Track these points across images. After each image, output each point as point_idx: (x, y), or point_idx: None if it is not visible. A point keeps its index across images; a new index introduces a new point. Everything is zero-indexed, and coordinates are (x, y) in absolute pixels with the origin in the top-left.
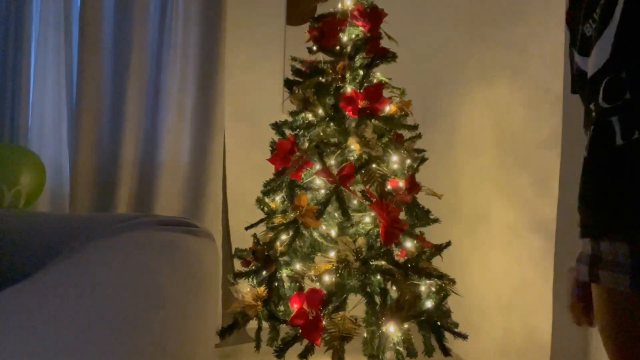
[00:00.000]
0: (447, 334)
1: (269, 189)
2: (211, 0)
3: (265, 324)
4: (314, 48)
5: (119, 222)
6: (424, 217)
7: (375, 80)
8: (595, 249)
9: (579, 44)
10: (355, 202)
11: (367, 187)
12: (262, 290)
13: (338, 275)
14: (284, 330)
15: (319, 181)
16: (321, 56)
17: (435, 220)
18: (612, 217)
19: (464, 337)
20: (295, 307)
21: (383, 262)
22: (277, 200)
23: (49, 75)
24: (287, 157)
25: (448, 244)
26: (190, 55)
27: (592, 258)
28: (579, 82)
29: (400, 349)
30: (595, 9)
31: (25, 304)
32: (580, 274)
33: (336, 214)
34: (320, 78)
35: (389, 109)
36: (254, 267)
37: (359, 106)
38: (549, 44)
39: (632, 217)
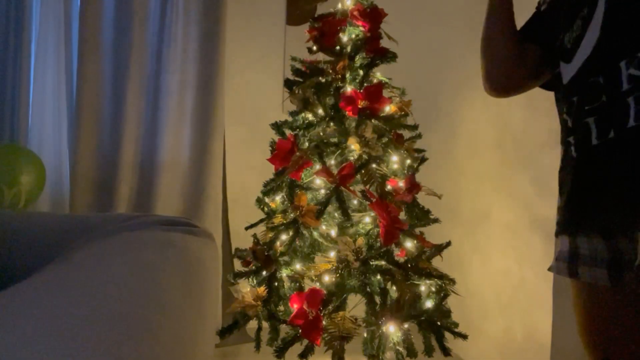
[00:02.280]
0: (447, 334)
1: (269, 189)
2: (211, 0)
3: (265, 324)
4: (314, 48)
5: (119, 222)
6: (424, 217)
7: (375, 80)
8: (573, 246)
9: (559, 53)
10: (355, 202)
11: (367, 187)
12: (262, 290)
13: (338, 275)
14: (284, 330)
15: (319, 181)
16: (321, 56)
17: (435, 220)
18: (588, 213)
19: (464, 337)
20: (295, 307)
21: (383, 262)
22: (277, 200)
23: (49, 75)
24: (287, 157)
25: (448, 244)
26: (190, 55)
27: (570, 255)
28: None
29: (400, 349)
30: (575, 19)
31: (25, 304)
32: (560, 271)
33: (336, 214)
34: (320, 78)
35: (389, 109)
36: (254, 267)
37: (359, 106)
38: None
39: (607, 213)
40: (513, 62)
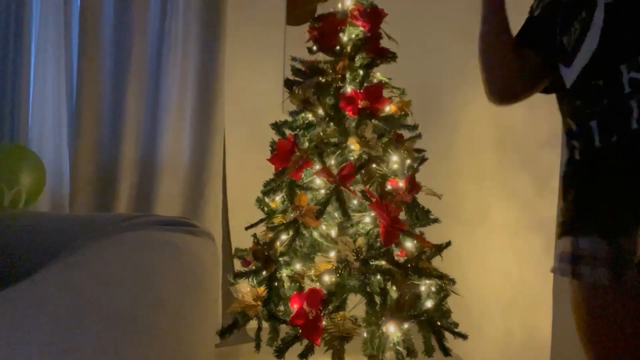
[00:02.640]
0: (447, 334)
1: (269, 189)
2: (211, 0)
3: (265, 324)
4: (314, 48)
5: (119, 222)
6: (424, 217)
7: (375, 80)
8: (575, 247)
9: (559, 55)
10: (355, 202)
11: (367, 187)
12: (262, 290)
13: (338, 275)
14: (284, 330)
15: (319, 181)
16: (321, 56)
17: (435, 220)
18: (591, 215)
19: (464, 337)
20: (295, 307)
21: (383, 262)
22: (277, 200)
23: (49, 75)
24: (287, 157)
25: (448, 244)
26: (190, 55)
27: (573, 256)
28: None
29: (400, 349)
30: (573, 22)
31: (25, 304)
32: (563, 272)
33: (336, 214)
34: (320, 78)
35: (389, 109)
36: (254, 267)
37: (359, 106)
38: None
39: (609, 214)
40: (512, 69)
